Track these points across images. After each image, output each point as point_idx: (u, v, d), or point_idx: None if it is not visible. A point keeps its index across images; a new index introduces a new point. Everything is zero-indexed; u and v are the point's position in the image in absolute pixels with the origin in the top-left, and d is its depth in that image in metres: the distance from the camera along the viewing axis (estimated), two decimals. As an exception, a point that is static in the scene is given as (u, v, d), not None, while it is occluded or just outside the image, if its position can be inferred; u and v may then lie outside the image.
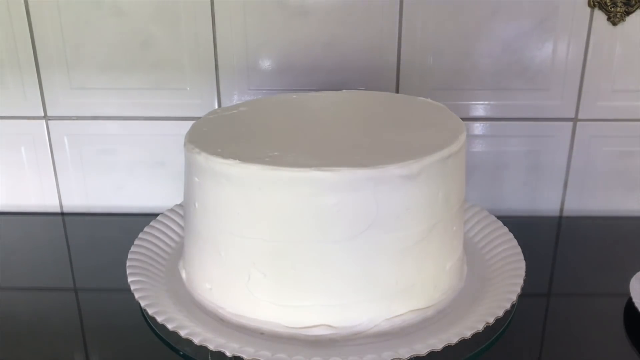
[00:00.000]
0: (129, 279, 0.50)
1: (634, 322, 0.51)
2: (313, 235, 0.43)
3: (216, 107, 0.70)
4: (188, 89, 0.69)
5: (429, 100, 0.57)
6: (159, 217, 0.60)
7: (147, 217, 0.59)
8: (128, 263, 0.52)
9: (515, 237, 0.56)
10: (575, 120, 0.69)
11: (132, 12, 0.66)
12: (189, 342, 0.43)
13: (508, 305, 0.46)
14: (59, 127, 0.71)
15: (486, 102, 0.69)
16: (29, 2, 0.66)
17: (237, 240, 0.45)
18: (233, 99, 0.69)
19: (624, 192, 0.73)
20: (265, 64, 0.68)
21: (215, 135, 0.49)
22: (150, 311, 0.46)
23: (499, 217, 0.59)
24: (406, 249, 0.45)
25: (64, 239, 0.70)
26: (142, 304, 0.47)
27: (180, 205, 0.60)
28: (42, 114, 0.71)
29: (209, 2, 0.65)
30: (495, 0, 0.64)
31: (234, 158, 0.43)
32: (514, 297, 0.47)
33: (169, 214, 0.60)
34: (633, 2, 0.64)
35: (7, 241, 0.69)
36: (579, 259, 0.63)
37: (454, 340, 0.42)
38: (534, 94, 0.68)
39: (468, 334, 0.43)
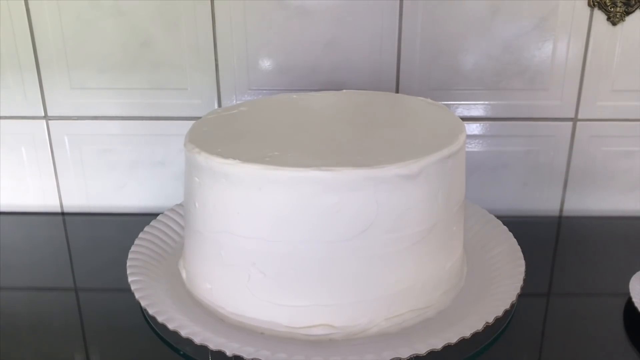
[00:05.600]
0: (129, 279, 0.50)
1: (634, 322, 0.51)
2: (313, 235, 0.43)
3: (216, 107, 0.70)
4: (188, 89, 0.69)
5: (429, 100, 0.57)
6: (159, 217, 0.60)
7: (147, 217, 0.60)
8: (128, 263, 0.52)
9: (515, 237, 0.56)
10: (575, 120, 0.69)
11: (132, 12, 0.66)
12: (189, 341, 0.43)
13: (508, 305, 0.46)
14: (59, 127, 0.71)
15: (486, 102, 0.69)
16: (29, 2, 0.66)
17: (237, 240, 0.45)
18: (233, 99, 0.69)
19: (624, 192, 0.73)
20: (265, 64, 0.68)
21: (215, 135, 0.49)
22: (150, 311, 0.46)
23: (499, 217, 0.59)
24: (406, 249, 0.45)
25: (64, 239, 0.70)
26: (142, 303, 0.47)
27: (180, 205, 0.60)
28: (43, 114, 0.71)
29: (209, 2, 0.65)
30: (495, 0, 0.64)
31: (234, 158, 0.43)
32: (514, 297, 0.47)
33: (169, 214, 0.60)
34: (633, 2, 0.64)
35: (7, 241, 0.69)
36: (579, 259, 0.63)
37: (454, 339, 0.42)
38: (533, 94, 0.68)
39: (468, 333, 0.43)
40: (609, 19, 0.65)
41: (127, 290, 0.49)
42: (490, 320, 0.44)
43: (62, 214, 0.75)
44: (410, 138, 0.48)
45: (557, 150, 0.71)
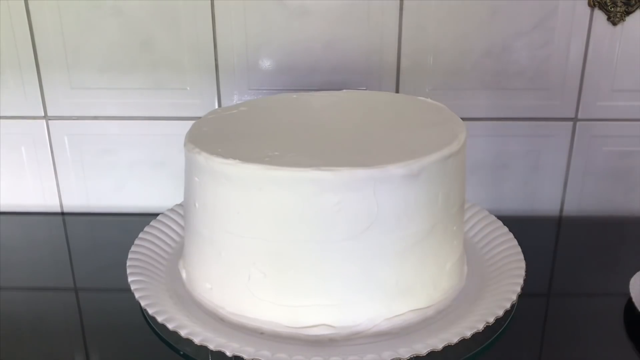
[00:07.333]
0: (129, 279, 0.50)
1: (634, 322, 0.51)
2: (313, 235, 0.43)
3: (216, 107, 0.70)
4: (188, 89, 0.69)
5: (429, 100, 0.57)
6: (159, 217, 0.60)
7: (147, 217, 0.59)
8: (128, 263, 0.52)
9: (515, 237, 0.55)
10: (575, 120, 0.69)
11: (132, 12, 0.66)
12: (189, 341, 0.43)
13: (508, 305, 0.46)
14: (59, 127, 0.71)
15: (486, 102, 0.69)
16: (29, 2, 0.66)
17: (237, 240, 0.45)
18: (233, 99, 0.69)
19: (624, 192, 0.73)
20: (265, 64, 0.68)
21: (215, 135, 0.49)
22: (150, 311, 0.46)
23: (499, 217, 0.59)
24: (406, 249, 0.45)
25: (64, 239, 0.70)
26: (142, 303, 0.47)
27: (180, 205, 0.60)
28: (43, 114, 0.71)
29: (209, 2, 0.65)
30: (495, 0, 0.64)
31: (234, 158, 0.43)
32: (514, 297, 0.47)
33: (169, 214, 0.60)
34: (633, 2, 0.64)
35: (7, 241, 0.69)
36: (579, 259, 0.63)
37: (454, 340, 0.42)
38: (534, 94, 0.68)
39: (468, 333, 0.43)
40: (609, 19, 0.65)
41: (127, 290, 0.49)
42: (490, 320, 0.44)
43: (62, 214, 0.75)
44: (410, 138, 0.48)
45: (557, 150, 0.71)
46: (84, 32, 0.67)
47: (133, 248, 0.54)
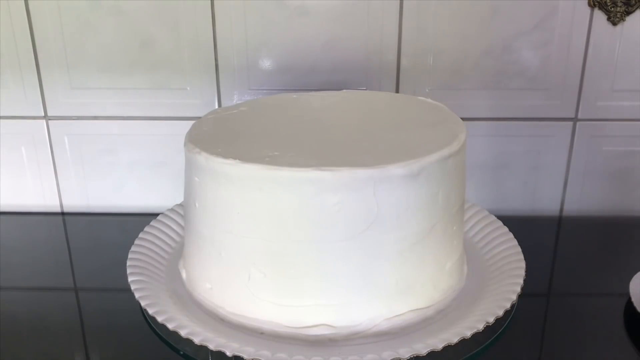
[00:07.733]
0: (129, 279, 0.50)
1: (634, 322, 0.51)
2: (313, 235, 0.43)
3: (216, 107, 0.70)
4: (188, 89, 0.69)
5: (429, 100, 0.57)
6: (159, 217, 0.60)
7: (147, 217, 0.59)
8: (128, 263, 0.52)
9: (515, 237, 0.55)
10: (575, 120, 0.69)
11: (132, 12, 0.66)
12: (189, 341, 0.43)
13: (508, 305, 0.46)
14: (59, 127, 0.71)
15: (486, 102, 0.69)
16: (29, 2, 0.66)
17: (237, 240, 0.45)
18: (233, 99, 0.69)
19: (624, 192, 0.73)
20: (265, 64, 0.68)
21: (215, 135, 0.49)
22: (150, 311, 0.46)
23: (499, 217, 0.59)
24: (406, 249, 0.45)
25: (64, 239, 0.70)
26: (142, 303, 0.47)
27: (180, 205, 0.60)
28: (43, 114, 0.71)
29: (209, 2, 0.65)
30: (495, 0, 0.64)
31: (234, 158, 0.43)
32: (514, 297, 0.47)
33: (169, 214, 0.60)
34: (633, 2, 0.64)
35: (7, 241, 0.69)
36: (579, 259, 0.63)
37: (454, 340, 0.42)
38: (534, 94, 0.68)
39: (468, 333, 0.43)
40: (609, 19, 0.65)
41: (127, 290, 0.49)
42: (490, 320, 0.44)
43: (62, 214, 0.75)
44: (410, 138, 0.48)
45: (557, 150, 0.71)
46: (84, 32, 0.67)
47: (133, 248, 0.54)
